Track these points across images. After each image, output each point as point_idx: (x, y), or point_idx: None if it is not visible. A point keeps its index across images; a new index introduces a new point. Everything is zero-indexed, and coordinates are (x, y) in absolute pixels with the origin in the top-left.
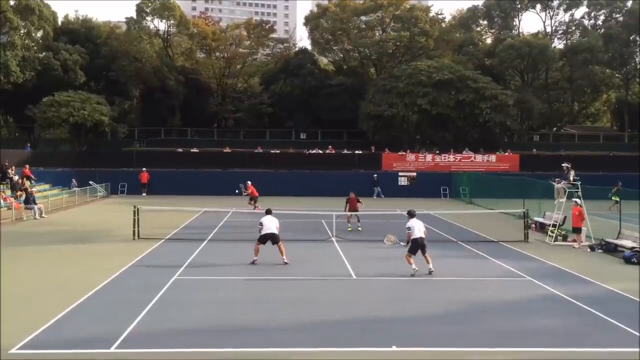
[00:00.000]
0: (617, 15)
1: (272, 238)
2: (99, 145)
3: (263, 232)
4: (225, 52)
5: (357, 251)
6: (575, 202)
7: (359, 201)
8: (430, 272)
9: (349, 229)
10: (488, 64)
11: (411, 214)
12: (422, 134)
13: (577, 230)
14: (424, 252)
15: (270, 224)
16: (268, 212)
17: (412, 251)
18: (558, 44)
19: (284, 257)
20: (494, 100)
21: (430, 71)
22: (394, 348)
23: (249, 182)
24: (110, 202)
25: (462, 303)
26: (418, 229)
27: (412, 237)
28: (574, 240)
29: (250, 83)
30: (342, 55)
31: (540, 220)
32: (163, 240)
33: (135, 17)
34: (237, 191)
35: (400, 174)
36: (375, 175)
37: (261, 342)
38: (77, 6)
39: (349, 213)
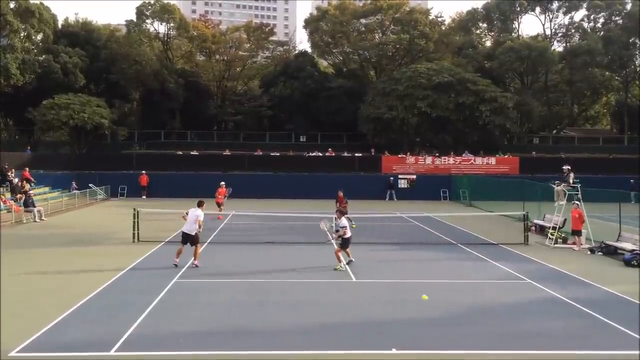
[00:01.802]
0: (617, 18)
1: (189, 239)
2: (99, 148)
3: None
4: (225, 54)
5: (356, 254)
6: (576, 204)
7: (346, 201)
8: (349, 263)
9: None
10: (488, 66)
11: (343, 213)
12: (422, 137)
13: (577, 232)
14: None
15: (189, 220)
16: (199, 204)
17: (345, 247)
18: (558, 47)
19: (196, 260)
20: (494, 102)
21: (429, 74)
22: (394, 351)
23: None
24: (110, 204)
25: (462, 305)
26: (349, 227)
27: (346, 236)
28: (574, 243)
29: (250, 86)
30: (341, 58)
31: (540, 222)
32: (163, 242)
33: (135, 20)
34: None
35: (400, 176)
36: (392, 178)
37: (261, 345)
38: (77, 9)
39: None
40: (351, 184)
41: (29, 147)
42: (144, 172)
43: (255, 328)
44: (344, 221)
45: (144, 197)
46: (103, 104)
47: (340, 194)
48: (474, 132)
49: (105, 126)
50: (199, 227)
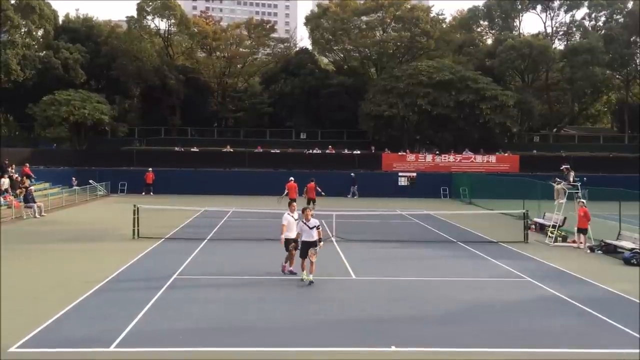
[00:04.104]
0: (618, 17)
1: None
2: (99, 144)
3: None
4: (225, 51)
5: (356, 251)
6: (582, 202)
7: (320, 192)
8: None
9: None
10: (488, 64)
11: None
12: (422, 135)
13: (582, 231)
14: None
15: (293, 225)
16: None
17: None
18: (558, 45)
19: (289, 266)
20: (494, 101)
21: (430, 71)
22: (393, 348)
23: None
24: (110, 201)
25: (461, 303)
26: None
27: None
28: (574, 241)
29: (251, 82)
30: (342, 55)
31: (540, 221)
32: (163, 239)
33: (136, 16)
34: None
35: (400, 174)
36: (353, 174)
37: (261, 342)
38: (77, 5)
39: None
40: (349, 181)
41: (54, 144)
42: (150, 169)
43: (255, 325)
44: (314, 220)
45: (143, 193)
46: (103, 100)
47: (312, 183)
48: (475, 130)
49: (106, 122)
50: (281, 233)
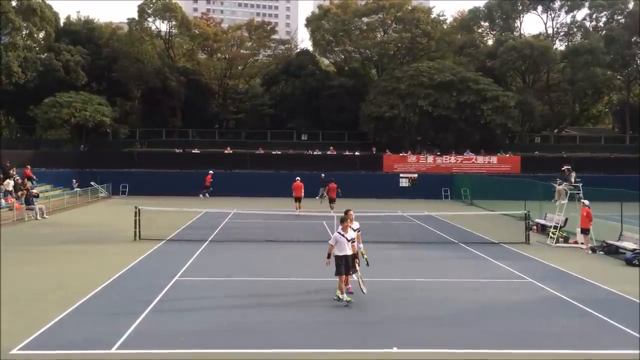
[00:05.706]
0: (619, 17)
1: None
2: (101, 146)
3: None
4: (226, 53)
5: None
6: (584, 202)
7: (338, 193)
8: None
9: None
10: (489, 65)
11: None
12: (423, 136)
13: (585, 231)
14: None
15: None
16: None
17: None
18: (559, 46)
19: (349, 286)
20: (495, 101)
21: (431, 72)
22: (395, 349)
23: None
24: (111, 202)
25: (462, 304)
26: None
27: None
28: (575, 242)
29: (252, 84)
30: (343, 57)
31: (542, 221)
32: (164, 241)
33: (137, 18)
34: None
35: (401, 175)
36: (323, 175)
37: (262, 343)
38: (78, 7)
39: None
40: (352, 183)
41: (82, 146)
42: (211, 171)
43: (256, 326)
44: (352, 232)
45: (207, 195)
46: (105, 102)
47: (333, 184)
48: (476, 131)
49: (107, 124)
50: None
